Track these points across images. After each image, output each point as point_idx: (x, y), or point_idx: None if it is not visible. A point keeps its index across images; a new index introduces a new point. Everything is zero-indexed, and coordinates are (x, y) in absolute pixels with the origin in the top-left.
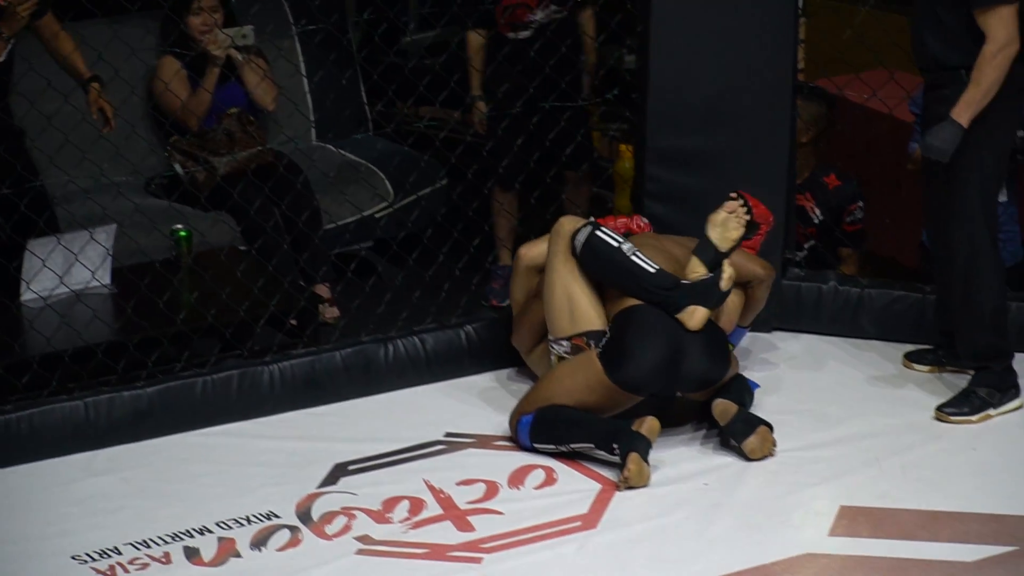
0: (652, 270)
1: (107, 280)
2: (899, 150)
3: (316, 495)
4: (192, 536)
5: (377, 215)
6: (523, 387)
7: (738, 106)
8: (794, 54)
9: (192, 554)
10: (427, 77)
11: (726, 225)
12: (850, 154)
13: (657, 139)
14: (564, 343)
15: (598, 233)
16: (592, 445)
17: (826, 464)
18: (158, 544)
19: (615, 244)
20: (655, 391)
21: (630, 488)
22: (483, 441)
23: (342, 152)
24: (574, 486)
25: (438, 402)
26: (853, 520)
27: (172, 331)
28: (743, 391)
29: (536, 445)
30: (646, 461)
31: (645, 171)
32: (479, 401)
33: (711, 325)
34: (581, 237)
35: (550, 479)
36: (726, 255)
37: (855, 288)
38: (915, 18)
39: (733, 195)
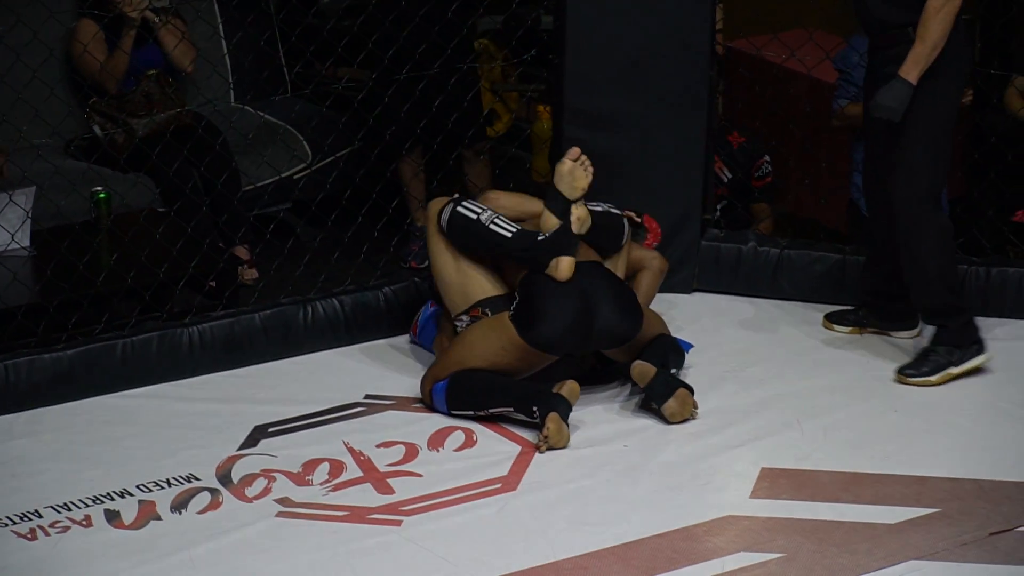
0: (509, 235)
1: (26, 242)
2: (818, 110)
3: (236, 457)
4: (113, 499)
5: (295, 176)
6: None
7: (656, 66)
8: (712, 14)
9: (113, 517)
10: (345, 38)
11: (573, 175)
12: (769, 114)
13: (575, 100)
14: (464, 318)
15: (458, 209)
16: (511, 408)
17: (747, 426)
18: (79, 507)
19: (473, 216)
20: (569, 350)
21: (550, 449)
22: (402, 403)
23: (260, 114)
24: (494, 448)
25: (357, 364)
26: (774, 482)
27: (92, 293)
28: (667, 352)
29: (453, 412)
30: (566, 422)
31: (563, 132)
32: (398, 363)
33: (617, 282)
34: (445, 215)
35: (470, 441)
36: (574, 203)
37: (775, 248)
38: None
39: (575, 149)
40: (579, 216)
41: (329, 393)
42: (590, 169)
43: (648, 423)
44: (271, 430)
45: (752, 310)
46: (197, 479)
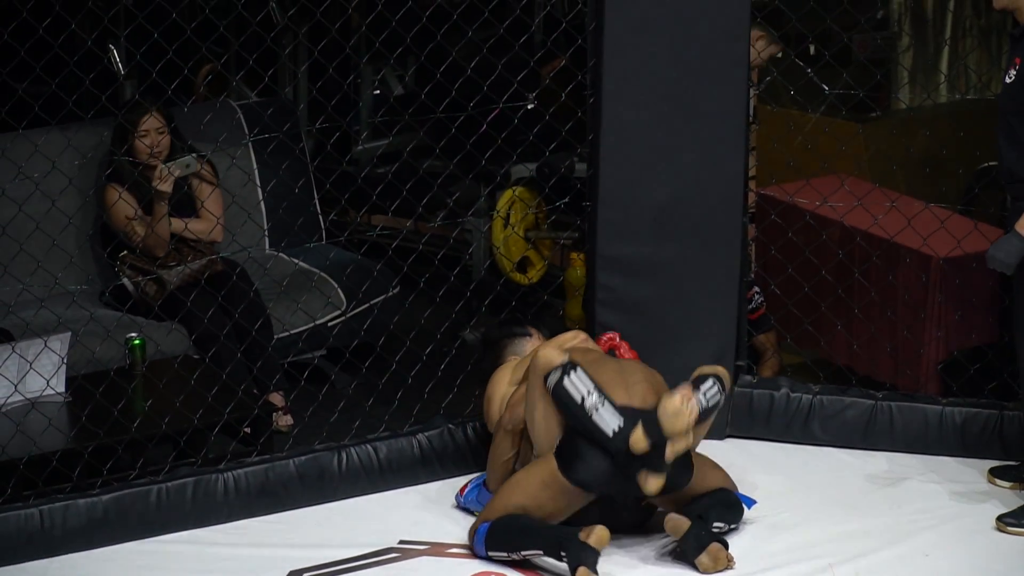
0: (610, 434)
1: (61, 388)
2: (851, 256)
3: None
4: None
5: (330, 323)
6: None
7: (689, 215)
8: (745, 161)
9: None
10: (379, 186)
11: (676, 418)
12: (801, 260)
13: (608, 247)
14: None
15: (564, 385)
16: (541, 552)
17: (780, 572)
18: None
19: (578, 399)
20: (608, 491)
21: None
22: (437, 549)
23: (295, 261)
24: None
25: (391, 510)
26: None
27: (126, 439)
28: (713, 506)
29: (490, 553)
30: (594, 572)
31: (596, 279)
32: (432, 509)
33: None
34: (551, 382)
35: None
36: (670, 439)
37: (807, 395)
38: (996, 129)
39: (687, 389)
40: (674, 451)
41: (364, 538)
42: (694, 412)
43: (679, 571)
44: (306, 575)
45: (784, 456)
46: None
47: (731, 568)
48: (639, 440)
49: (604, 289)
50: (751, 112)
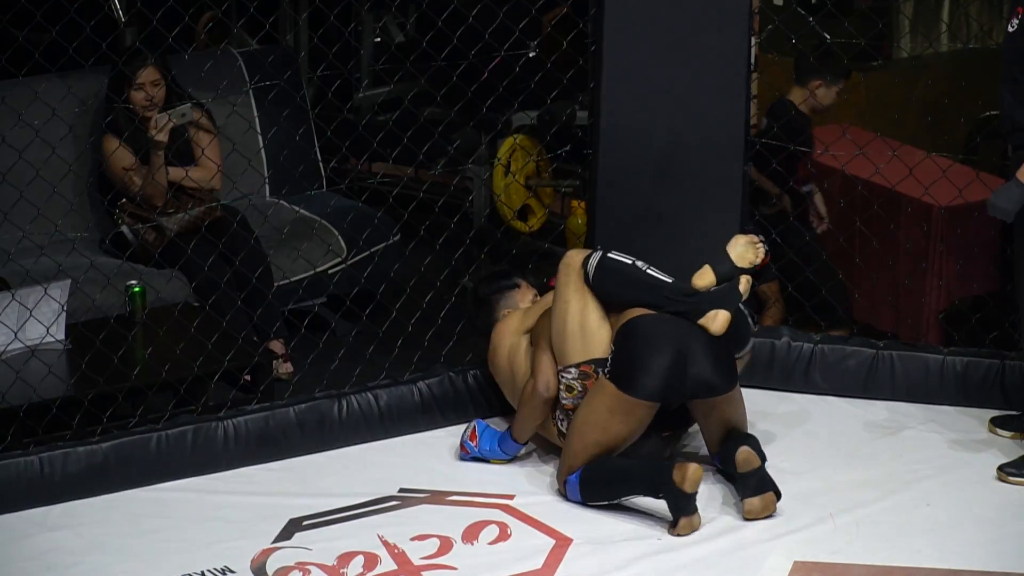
0: (669, 280)
1: (61, 335)
2: (851, 204)
3: (271, 550)
4: None
5: (330, 271)
6: None
7: (690, 162)
8: (746, 110)
9: None
10: (380, 133)
11: (748, 247)
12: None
13: (609, 195)
14: (572, 370)
15: (610, 255)
16: (640, 495)
17: (780, 519)
18: None
19: (628, 262)
20: (670, 395)
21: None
22: (437, 496)
23: (296, 208)
24: (528, 542)
25: (392, 458)
26: (807, 575)
27: (126, 386)
28: (761, 453)
29: (590, 503)
30: (694, 512)
31: (597, 227)
32: (433, 456)
33: (711, 335)
34: (593, 262)
35: (504, 534)
36: (740, 271)
37: (808, 344)
38: (998, 78)
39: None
40: (746, 283)
41: (364, 486)
42: (762, 253)
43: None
44: (306, 523)
45: (785, 405)
46: (232, 572)
47: (771, 518)
48: (705, 274)
49: (605, 237)
50: (752, 61)
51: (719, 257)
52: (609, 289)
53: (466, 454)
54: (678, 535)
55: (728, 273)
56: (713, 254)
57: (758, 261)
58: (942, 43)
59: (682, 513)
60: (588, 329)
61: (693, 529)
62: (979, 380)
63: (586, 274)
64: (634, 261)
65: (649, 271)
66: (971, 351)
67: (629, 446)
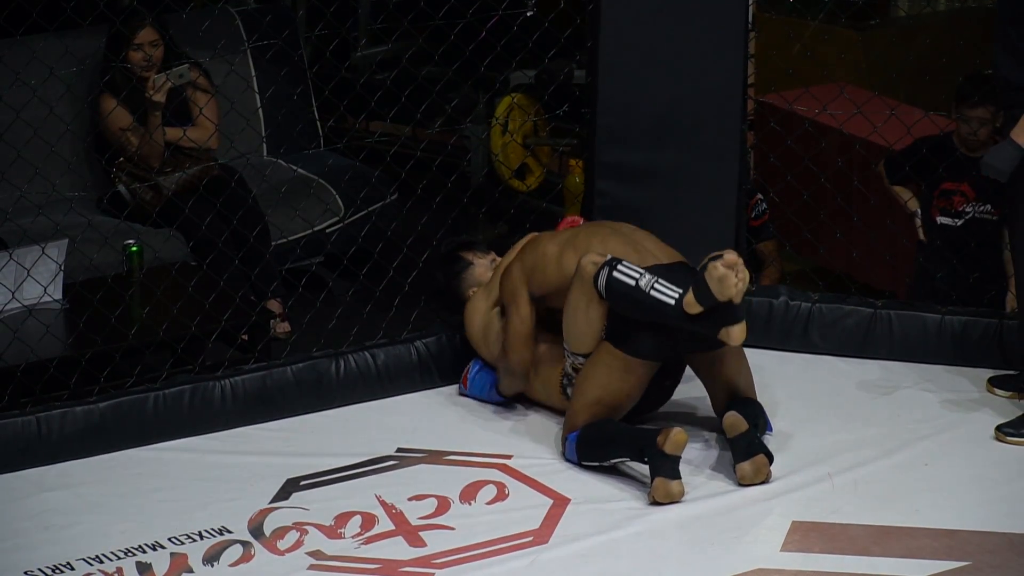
0: (672, 301)
1: (59, 295)
2: (849, 164)
3: (268, 510)
4: (144, 551)
5: (328, 230)
6: (471, 403)
7: (688, 121)
8: (744, 68)
9: (144, 569)
10: (378, 92)
11: (723, 282)
12: (800, 168)
13: (606, 154)
14: (581, 358)
15: (616, 275)
16: (628, 458)
17: (778, 479)
18: (111, 559)
19: (632, 282)
20: (664, 351)
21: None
22: (434, 456)
23: (293, 167)
24: (526, 501)
25: (389, 417)
26: (805, 535)
27: (124, 346)
28: (759, 416)
29: (584, 463)
30: (674, 478)
31: (595, 186)
32: (430, 416)
33: None
34: (602, 281)
35: (501, 494)
36: (719, 304)
37: (806, 303)
38: (993, 38)
39: (732, 254)
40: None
41: (361, 446)
42: (744, 276)
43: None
44: (303, 483)
45: (783, 364)
46: (229, 532)
47: (767, 483)
48: (691, 305)
49: (603, 196)
50: (750, 19)
51: (701, 288)
52: (619, 310)
53: (465, 390)
54: (653, 500)
55: (710, 304)
56: (708, 214)
57: (737, 291)
58: (940, 1)
59: (658, 473)
60: (593, 324)
61: (670, 495)
62: (977, 339)
63: (598, 292)
64: (640, 277)
65: (653, 291)
66: (969, 310)
67: (633, 404)
